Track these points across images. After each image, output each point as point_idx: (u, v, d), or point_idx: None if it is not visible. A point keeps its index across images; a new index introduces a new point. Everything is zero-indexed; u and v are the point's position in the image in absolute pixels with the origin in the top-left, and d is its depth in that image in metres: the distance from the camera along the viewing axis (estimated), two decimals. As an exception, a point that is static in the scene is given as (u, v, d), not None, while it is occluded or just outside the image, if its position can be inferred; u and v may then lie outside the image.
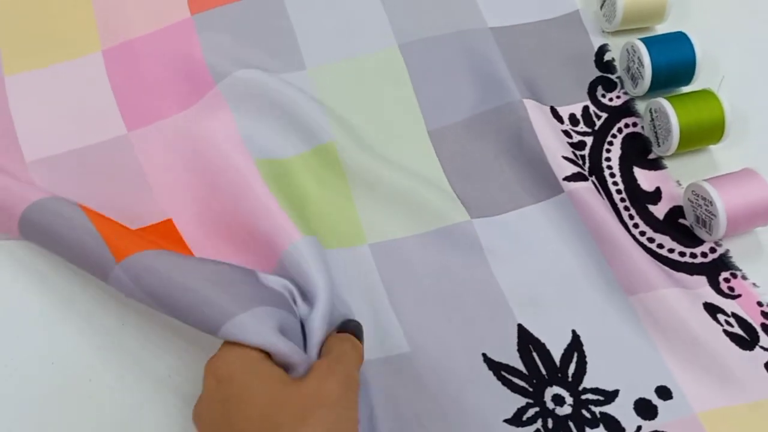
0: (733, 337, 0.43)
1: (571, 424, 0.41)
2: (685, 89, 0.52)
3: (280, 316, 0.37)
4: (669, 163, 0.50)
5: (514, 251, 0.46)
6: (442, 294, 0.44)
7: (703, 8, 0.56)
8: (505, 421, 0.40)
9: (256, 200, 0.43)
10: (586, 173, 0.48)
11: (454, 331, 0.43)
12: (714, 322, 0.43)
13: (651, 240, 0.47)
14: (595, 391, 0.42)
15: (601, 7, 0.54)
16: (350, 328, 0.40)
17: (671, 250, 0.47)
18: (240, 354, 0.35)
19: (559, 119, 0.51)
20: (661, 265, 0.45)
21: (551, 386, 0.42)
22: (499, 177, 0.48)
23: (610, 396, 0.41)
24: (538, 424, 0.40)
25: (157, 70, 0.51)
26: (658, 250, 0.47)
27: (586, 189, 0.46)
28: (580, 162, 0.49)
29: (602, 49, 0.53)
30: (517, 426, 0.40)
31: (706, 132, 0.48)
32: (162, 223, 0.46)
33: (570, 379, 0.42)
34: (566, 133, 0.51)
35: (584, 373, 0.42)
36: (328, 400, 0.34)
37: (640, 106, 0.52)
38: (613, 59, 0.53)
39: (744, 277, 0.46)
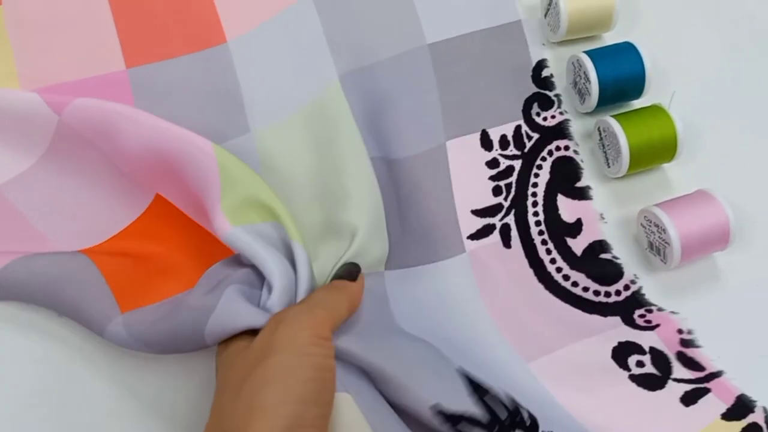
0: (641, 380, 0.41)
1: None
2: (636, 103, 0.49)
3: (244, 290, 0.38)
4: (619, 182, 0.47)
5: (414, 313, 0.44)
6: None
7: (650, 15, 0.53)
8: None
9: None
10: (498, 218, 0.47)
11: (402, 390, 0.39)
12: (620, 370, 0.42)
13: (566, 278, 0.45)
14: None
15: (545, 15, 0.51)
16: (344, 274, 0.40)
17: (586, 289, 0.45)
18: (232, 342, 0.36)
19: (489, 145, 0.48)
20: (568, 310, 0.44)
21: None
22: (414, 228, 0.46)
23: None
24: None
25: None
26: (573, 289, 0.45)
27: (489, 247, 0.45)
28: (503, 194, 0.47)
29: (540, 65, 0.50)
30: None
31: (657, 151, 0.45)
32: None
33: (529, 423, 0.38)
34: (494, 162, 0.48)
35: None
36: (281, 345, 0.33)
37: (588, 123, 0.49)
38: (552, 75, 0.49)
39: (660, 309, 0.44)
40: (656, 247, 0.44)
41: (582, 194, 0.47)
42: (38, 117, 0.44)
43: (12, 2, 0.49)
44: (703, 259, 0.45)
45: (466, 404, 0.37)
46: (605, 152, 0.47)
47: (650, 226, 0.44)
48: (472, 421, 0.37)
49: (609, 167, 0.47)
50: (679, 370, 0.41)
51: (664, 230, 0.42)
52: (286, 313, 0.35)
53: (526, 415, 0.38)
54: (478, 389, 0.38)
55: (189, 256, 0.45)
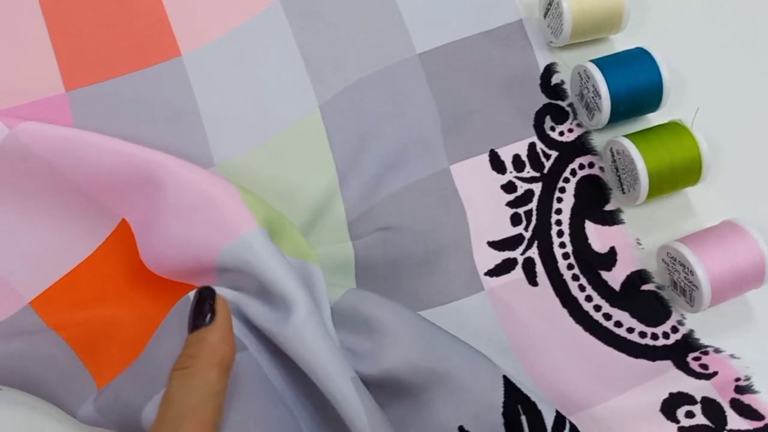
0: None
1: None
2: (652, 116, 0.43)
3: None
4: (635, 208, 0.42)
5: None
6: None
7: (661, 11, 0.46)
8: None
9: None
10: (520, 252, 0.41)
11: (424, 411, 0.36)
12: (668, 422, 0.37)
13: (607, 317, 0.40)
14: None
15: (545, 16, 0.45)
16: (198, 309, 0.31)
17: (631, 330, 0.40)
18: None
19: (501, 167, 0.43)
20: (611, 354, 0.39)
21: None
22: (422, 268, 0.41)
23: None
24: None
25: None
26: (616, 329, 0.40)
27: (511, 284, 0.40)
28: (523, 224, 0.42)
29: (549, 70, 0.44)
30: None
31: (680, 176, 0.39)
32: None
33: None
34: (510, 185, 0.42)
35: None
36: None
37: (598, 140, 0.43)
38: (563, 82, 0.44)
39: (717, 351, 0.39)
40: (681, 288, 0.38)
41: (613, 219, 0.41)
42: None
43: None
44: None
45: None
46: (619, 176, 0.41)
47: (674, 264, 0.38)
48: None
49: (624, 193, 0.41)
50: (734, 420, 0.37)
51: (691, 272, 0.37)
52: None
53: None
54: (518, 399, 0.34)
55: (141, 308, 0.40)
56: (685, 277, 0.37)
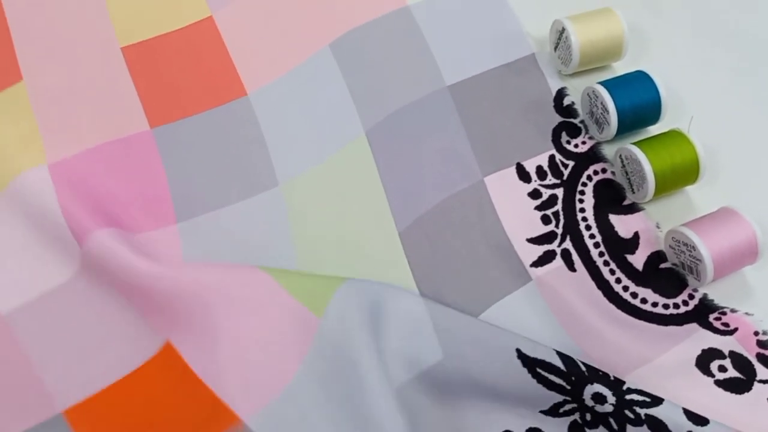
0: (727, 384, 0.42)
1: (612, 420, 0.39)
2: (653, 128, 0.50)
3: None
4: (645, 204, 0.48)
5: None
6: None
7: (658, 42, 0.54)
8: (541, 411, 0.40)
9: None
10: (557, 245, 0.47)
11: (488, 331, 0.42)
12: (705, 377, 0.42)
13: (634, 295, 0.46)
14: (641, 392, 0.39)
15: (555, 49, 0.52)
16: None
17: (655, 304, 0.45)
18: None
19: (526, 177, 0.49)
20: (644, 326, 0.44)
21: (592, 384, 0.39)
22: (469, 272, 0.46)
23: (657, 400, 0.39)
24: (576, 416, 0.39)
25: (114, 186, 0.47)
26: (642, 306, 0.45)
27: (554, 272, 0.46)
28: (553, 222, 0.47)
29: (561, 93, 0.51)
30: (554, 416, 0.40)
31: (681, 175, 0.46)
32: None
33: (612, 378, 0.39)
34: (535, 192, 0.49)
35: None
36: None
37: (607, 150, 0.50)
38: (573, 103, 0.51)
39: (733, 311, 0.44)
40: (688, 266, 0.44)
41: (633, 208, 0.48)
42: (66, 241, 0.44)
43: (33, 75, 0.50)
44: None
45: (546, 353, 0.39)
46: (629, 179, 0.47)
47: (679, 246, 0.44)
48: (549, 367, 0.39)
49: (634, 193, 0.47)
50: (762, 372, 0.42)
51: (693, 247, 0.43)
52: None
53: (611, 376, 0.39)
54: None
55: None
56: (689, 255, 0.43)
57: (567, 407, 0.40)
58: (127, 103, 0.50)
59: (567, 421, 0.40)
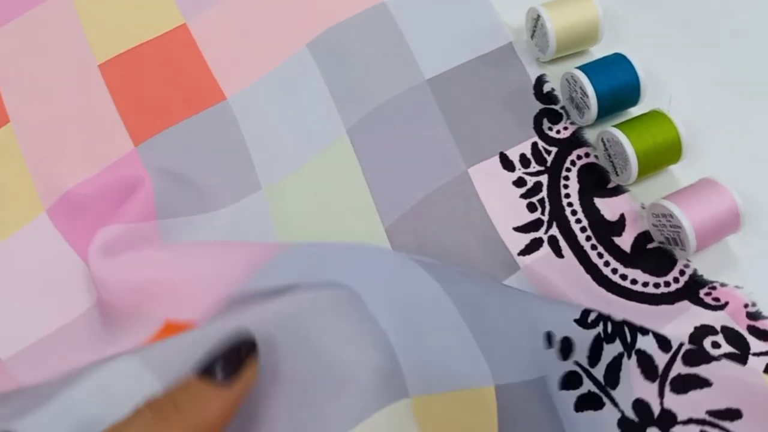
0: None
1: (626, 329, 0.40)
2: (634, 110, 0.50)
3: None
4: (630, 188, 0.48)
5: None
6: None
7: (634, 25, 0.54)
8: (575, 321, 0.40)
9: None
10: (543, 232, 0.47)
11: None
12: None
13: (624, 277, 0.46)
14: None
15: (532, 37, 0.52)
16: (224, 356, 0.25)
17: (645, 284, 0.45)
18: None
19: (510, 166, 0.49)
20: (635, 306, 0.44)
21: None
22: (459, 265, 0.46)
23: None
24: (600, 327, 0.40)
25: (107, 211, 0.48)
26: (632, 287, 0.45)
27: (542, 259, 0.46)
28: (539, 210, 0.47)
29: (540, 80, 0.51)
30: (584, 327, 0.40)
31: (663, 154, 0.46)
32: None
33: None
34: (520, 180, 0.49)
35: None
36: None
37: (589, 134, 0.50)
38: (553, 89, 0.51)
39: (723, 285, 0.44)
40: (672, 239, 0.44)
41: (618, 190, 0.48)
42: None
43: (18, 116, 0.50)
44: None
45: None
46: (612, 162, 0.47)
47: (660, 220, 0.44)
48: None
49: (618, 176, 0.47)
50: (756, 344, 0.42)
51: (671, 215, 0.43)
52: None
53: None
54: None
55: None
56: (670, 227, 0.43)
57: (592, 316, 0.40)
58: (110, 126, 0.50)
59: (594, 333, 0.40)
